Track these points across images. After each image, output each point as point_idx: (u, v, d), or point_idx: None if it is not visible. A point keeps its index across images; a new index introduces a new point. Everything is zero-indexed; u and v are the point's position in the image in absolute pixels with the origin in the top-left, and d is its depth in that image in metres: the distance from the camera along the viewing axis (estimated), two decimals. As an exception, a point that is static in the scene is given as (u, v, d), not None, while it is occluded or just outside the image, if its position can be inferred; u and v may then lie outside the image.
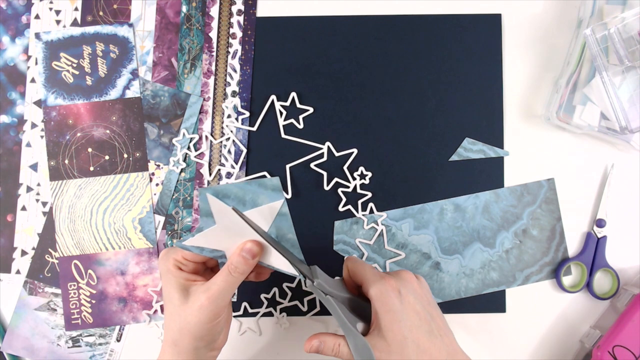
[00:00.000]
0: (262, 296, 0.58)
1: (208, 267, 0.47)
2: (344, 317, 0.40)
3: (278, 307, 0.58)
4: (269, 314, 0.58)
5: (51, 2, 0.59)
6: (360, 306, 0.43)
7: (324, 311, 0.58)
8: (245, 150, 0.58)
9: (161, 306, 0.58)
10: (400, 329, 0.40)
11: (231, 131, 0.58)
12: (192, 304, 0.42)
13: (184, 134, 0.58)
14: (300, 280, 0.58)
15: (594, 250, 0.57)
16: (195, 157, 0.58)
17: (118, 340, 0.59)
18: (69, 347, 0.58)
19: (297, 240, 0.43)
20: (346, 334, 0.41)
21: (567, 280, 0.59)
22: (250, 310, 0.58)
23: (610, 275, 0.58)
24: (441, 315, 0.43)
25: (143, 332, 0.59)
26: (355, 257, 0.46)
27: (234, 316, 0.58)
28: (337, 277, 0.45)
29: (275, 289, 0.58)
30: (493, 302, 0.58)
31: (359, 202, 0.58)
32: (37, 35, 0.59)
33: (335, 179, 0.58)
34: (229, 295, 0.44)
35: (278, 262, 0.44)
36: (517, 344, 0.59)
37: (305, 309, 0.58)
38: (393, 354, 0.40)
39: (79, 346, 0.58)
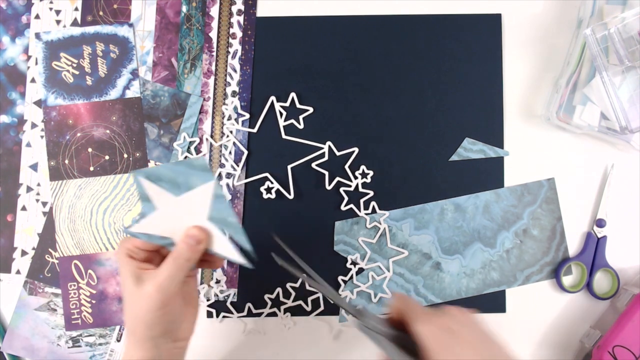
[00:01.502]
0: (266, 296, 0.58)
1: (163, 255, 0.46)
2: (399, 357, 0.38)
3: (282, 307, 0.58)
4: (273, 314, 0.58)
5: (51, 2, 0.59)
6: (406, 344, 0.41)
7: (328, 311, 0.58)
8: (246, 152, 0.58)
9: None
10: None
11: (231, 132, 0.58)
12: (141, 291, 0.42)
13: (184, 138, 0.58)
14: (302, 280, 0.58)
15: (594, 250, 0.58)
16: (195, 157, 0.58)
17: (118, 340, 0.59)
18: (69, 347, 0.58)
19: (239, 224, 0.42)
20: None
21: (567, 280, 0.59)
22: (254, 311, 0.58)
23: (610, 275, 0.58)
24: (502, 349, 0.40)
25: (143, 332, 0.59)
26: (403, 294, 0.43)
27: (239, 316, 0.58)
28: (383, 315, 0.44)
29: (279, 289, 0.58)
30: (493, 302, 0.58)
31: (361, 201, 0.58)
32: (37, 35, 0.59)
33: (337, 178, 0.58)
34: (177, 282, 0.43)
35: (225, 249, 0.43)
36: (517, 344, 0.59)
37: (309, 308, 0.58)
38: None
39: (79, 346, 0.58)
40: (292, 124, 0.58)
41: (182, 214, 0.42)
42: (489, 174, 0.59)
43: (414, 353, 0.40)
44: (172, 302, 0.43)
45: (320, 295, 0.58)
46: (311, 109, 0.58)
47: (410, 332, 0.42)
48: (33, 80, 0.59)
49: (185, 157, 0.58)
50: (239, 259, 0.42)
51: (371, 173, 0.58)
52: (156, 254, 0.46)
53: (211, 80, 0.59)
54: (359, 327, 0.41)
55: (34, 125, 0.59)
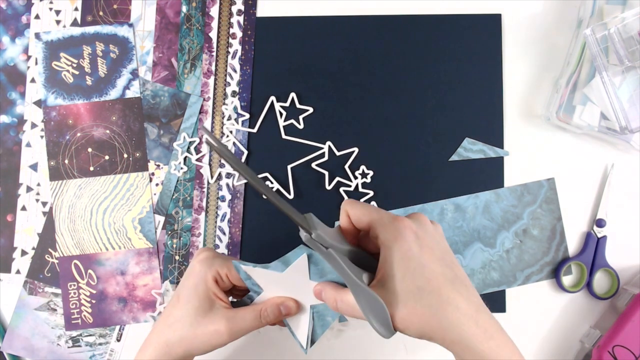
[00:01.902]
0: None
1: (234, 294, 0.47)
2: (349, 270, 0.36)
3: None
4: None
5: (51, 2, 0.59)
6: (361, 258, 0.39)
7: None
8: (246, 152, 0.58)
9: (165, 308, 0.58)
10: (415, 279, 0.35)
11: (231, 132, 0.58)
12: (209, 323, 0.42)
13: (184, 138, 0.58)
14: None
15: (594, 250, 0.58)
16: (196, 160, 0.58)
17: (118, 340, 0.59)
18: (69, 347, 0.58)
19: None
20: (352, 290, 0.37)
21: (567, 280, 0.59)
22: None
23: (610, 275, 0.58)
24: (460, 266, 0.38)
25: (143, 332, 0.58)
26: (354, 200, 0.40)
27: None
28: (335, 226, 0.41)
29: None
30: (493, 302, 0.58)
31: (361, 201, 0.58)
32: (37, 35, 0.59)
33: (337, 178, 0.58)
34: (246, 333, 0.43)
35: (298, 328, 0.45)
36: (517, 344, 0.59)
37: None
38: (407, 307, 0.35)
39: (79, 346, 0.58)
40: (292, 124, 0.58)
41: (288, 285, 0.43)
42: (489, 174, 0.59)
43: (366, 267, 0.38)
44: (229, 343, 0.43)
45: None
46: (311, 109, 0.58)
47: (361, 244, 0.40)
48: (33, 80, 0.59)
49: (185, 157, 0.58)
50: (301, 338, 0.44)
51: (371, 173, 0.58)
52: (229, 291, 0.46)
53: (211, 80, 0.59)
54: (307, 241, 0.38)
55: (34, 125, 0.59)
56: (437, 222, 0.40)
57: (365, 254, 0.40)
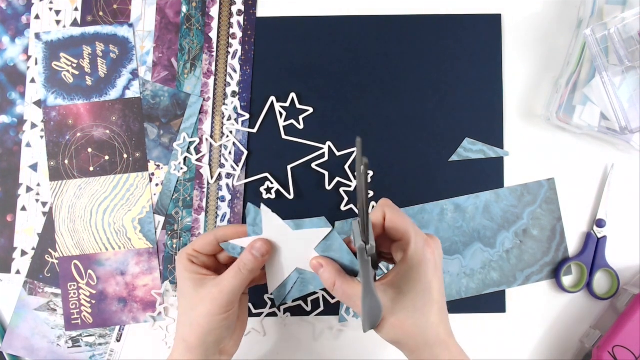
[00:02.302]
0: (266, 297, 0.58)
1: (221, 263, 0.48)
2: (371, 277, 0.38)
3: (282, 307, 0.58)
4: (273, 314, 0.58)
5: (51, 2, 0.59)
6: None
7: (328, 311, 0.58)
8: (246, 152, 0.58)
9: (165, 308, 0.58)
10: (416, 300, 0.39)
11: (231, 132, 0.58)
12: (203, 296, 0.43)
13: (184, 138, 0.58)
14: None
15: (594, 250, 0.58)
16: (195, 160, 0.58)
17: (118, 340, 0.59)
18: (69, 347, 0.58)
19: (346, 248, 0.44)
20: (365, 292, 0.38)
21: (567, 280, 0.59)
22: (254, 311, 0.58)
23: (610, 275, 0.58)
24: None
25: (143, 332, 0.59)
26: (393, 204, 0.43)
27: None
28: (355, 219, 0.41)
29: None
30: (493, 302, 0.58)
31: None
32: (37, 36, 0.59)
33: (337, 179, 0.58)
34: (238, 291, 0.44)
35: (272, 278, 0.46)
36: (517, 344, 0.59)
37: (309, 308, 0.58)
38: (399, 319, 0.40)
39: (79, 346, 0.58)
40: (292, 124, 0.58)
41: (290, 243, 0.44)
42: (489, 174, 0.59)
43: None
44: (232, 309, 0.44)
45: (320, 295, 0.58)
46: (311, 109, 0.58)
47: (378, 242, 0.42)
48: (33, 81, 0.59)
49: (185, 157, 0.58)
50: (270, 287, 0.46)
51: (371, 173, 0.58)
52: (214, 261, 0.47)
53: (211, 81, 0.59)
54: (360, 249, 0.37)
55: (33, 126, 0.59)
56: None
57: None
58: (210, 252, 0.46)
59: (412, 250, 0.40)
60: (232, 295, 0.44)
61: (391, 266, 0.50)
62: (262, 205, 0.44)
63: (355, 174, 0.37)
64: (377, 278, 0.43)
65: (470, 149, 0.58)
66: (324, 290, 0.58)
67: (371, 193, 0.58)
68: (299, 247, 0.44)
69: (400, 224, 0.41)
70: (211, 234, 0.46)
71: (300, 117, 0.58)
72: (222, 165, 0.59)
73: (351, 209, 0.58)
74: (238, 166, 0.58)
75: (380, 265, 0.58)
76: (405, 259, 0.40)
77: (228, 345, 0.47)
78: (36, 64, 0.59)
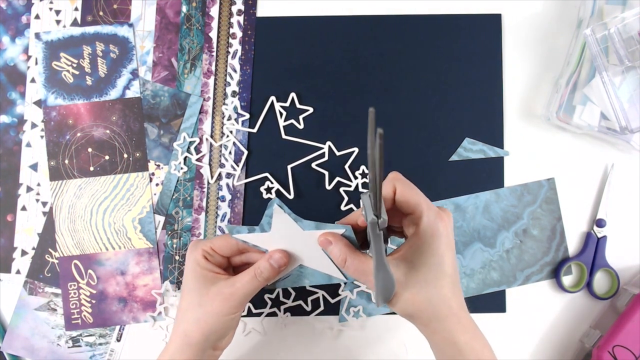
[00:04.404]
0: (266, 296, 0.58)
1: (232, 265, 0.48)
2: (383, 252, 0.38)
3: (282, 307, 0.58)
4: (273, 314, 0.58)
5: (51, 2, 0.59)
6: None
7: (328, 311, 0.58)
8: (246, 152, 0.58)
9: (165, 308, 0.58)
10: (429, 273, 0.39)
11: (231, 132, 0.58)
12: (214, 294, 0.43)
13: (184, 138, 0.58)
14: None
15: (594, 250, 0.58)
16: (195, 160, 0.58)
17: (118, 340, 0.59)
18: (69, 347, 0.58)
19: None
20: (377, 267, 0.38)
21: (567, 280, 0.59)
22: (254, 311, 0.58)
23: (610, 275, 0.58)
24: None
25: (143, 332, 0.58)
26: (404, 177, 0.42)
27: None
28: (365, 193, 0.40)
29: (279, 289, 0.58)
30: (493, 302, 0.58)
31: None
32: (37, 35, 0.59)
33: (337, 178, 0.58)
34: (250, 296, 0.44)
35: (290, 262, 0.46)
36: (517, 344, 0.59)
37: (309, 308, 0.58)
38: (412, 293, 0.39)
39: (79, 346, 0.58)
40: (292, 124, 0.58)
41: (298, 241, 0.44)
42: (489, 174, 0.59)
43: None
44: (239, 312, 0.45)
45: (320, 295, 0.58)
46: (311, 109, 0.58)
47: (390, 215, 0.41)
48: (33, 80, 0.59)
49: (185, 157, 0.58)
50: (338, 275, 0.45)
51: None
52: (227, 262, 0.47)
53: (211, 80, 0.59)
54: (371, 223, 0.37)
55: (34, 125, 0.59)
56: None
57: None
58: (228, 254, 0.46)
59: (424, 223, 0.40)
60: (244, 299, 0.44)
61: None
62: (275, 205, 0.43)
63: (369, 145, 0.37)
64: (388, 253, 0.42)
65: (470, 149, 0.58)
66: (320, 287, 0.58)
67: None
68: (308, 247, 0.44)
69: (411, 197, 0.41)
70: (231, 238, 0.45)
71: (300, 117, 0.58)
72: (222, 165, 0.59)
73: (351, 208, 0.58)
74: (238, 166, 0.58)
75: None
76: (417, 233, 0.40)
77: (224, 341, 0.47)
78: (36, 63, 0.59)
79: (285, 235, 0.44)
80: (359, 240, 0.43)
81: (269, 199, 0.58)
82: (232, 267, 0.48)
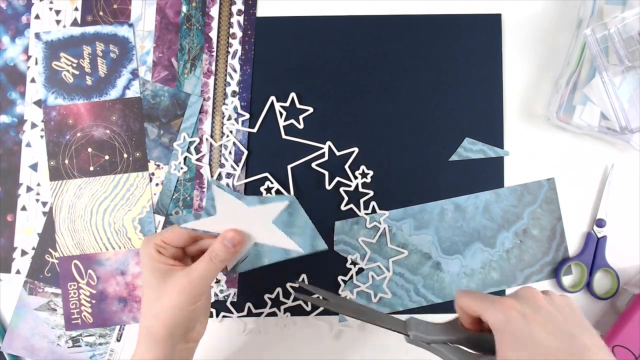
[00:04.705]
0: (266, 296, 0.58)
1: (187, 254, 0.47)
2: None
3: (282, 307, 0.58)
4: (273, 314, 0.58)
5: (51, 2, 0.59)
6: (488, 342, 0.39)
7: (328, 311, 0.58)
8: (245, 152, 0.58)
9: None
10: (529, 356, 0.35)
11: (231, 132, 0.58)
12: (171, 287, 0.42)
13: (184, 138, 0.58)
14: (303, 279, 0.58)
15: (594, 250, 0.58)
16: (195, 160, 0.58)
17: (118, 340, 0.59)
18: (69, 347, 0.58)
19: (310, 224, 0.44)
20: None
21: (567, 280, 0.59)
22: (254, 311, 0.58)
23: (610, 275, 0.58)
24: (590, 331, 0.37)
25: (143, 332, 0.59)
26: (464, 290, 0.42)
27: (239, 316, 0.58)
28: (451, 319, 0.42)
29: (279, 289, 0.58)
30: (493, 302, 0.58)
31: (361, 200, 0.58)
32: (37, 35, 0.59)
33: (337, 178, 0.58)
34: (209, 281, 0.44)
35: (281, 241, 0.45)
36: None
37: (309, 308, 0.58)
38: None
39: (79, 346, 0.58)
40: (292, 124, 0.58)
41: (246, 218, 0.44)
42: (489, 174, 0.59)
43: (493, 350, 0.38)
44: (200, 300, 0.44)
45: (320, 295, 0.58)
46: (311, 109, 0.58)
47: (484, 328, 0.40)
48: (33, 80, 0.59)
49: (185, 157, 0.58)
50: (293, 246, 0.45)
51: (371, 173, 0.58)
52: (182, 252, 0.46)
53: (211, 80, 0.59)
54: (412, 342, 0.40)
55: (34, 125, 0.59)
56: (554, 292, 0.40)
57: (491, 337, 0.39)
58: (180, 244, 0.45)
59: (489, 318, 0.38)
60: (203, 286, 0.43)
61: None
62: (214, 186, 0.43)
63: None
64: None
65: (470, 149, 0.58)
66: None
67: (371, 193, 0.58)
68: (257, 222, 0.44)
69: (471, 304, 0.39)
70: (180, 228, 0.45)
71: (300, 117, 0.58)
72: (222, 165, 0.59)
73: (351, 208, 0.58)
74: (238, 166, 0.58)
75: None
76: (494, 330, 0.38)
77: (194, 333, 0.46)
78: (36, 63, 0.59)
79: (231, 214, 0.44)
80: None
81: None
82: (190, 258, 0.47)
